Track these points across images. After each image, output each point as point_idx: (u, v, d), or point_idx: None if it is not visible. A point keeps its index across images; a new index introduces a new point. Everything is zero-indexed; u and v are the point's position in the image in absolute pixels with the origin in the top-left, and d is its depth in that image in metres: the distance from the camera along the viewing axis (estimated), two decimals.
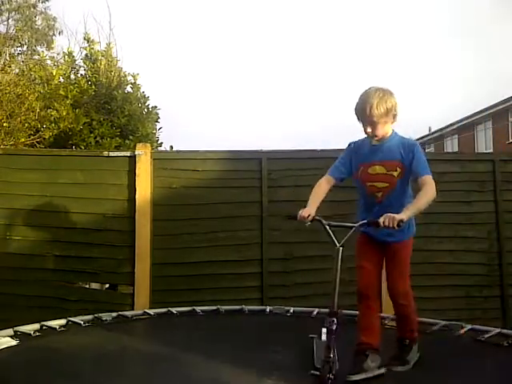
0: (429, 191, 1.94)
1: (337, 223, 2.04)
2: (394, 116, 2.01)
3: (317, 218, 2.00)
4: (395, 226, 1.82)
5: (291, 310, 3.23)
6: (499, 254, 3.83)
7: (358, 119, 2.02)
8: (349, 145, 2.18)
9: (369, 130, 1.98)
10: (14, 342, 2.43)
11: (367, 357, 1.96)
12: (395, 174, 2.02)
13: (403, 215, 1.85)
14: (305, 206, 2.05)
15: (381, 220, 1.84)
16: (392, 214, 1.83)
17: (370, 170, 2.06)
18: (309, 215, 1.98)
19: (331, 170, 2.17)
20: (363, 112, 1.96)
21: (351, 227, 1.97)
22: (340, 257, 1.92)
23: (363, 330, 2.08)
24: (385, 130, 2.01)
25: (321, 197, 2.11)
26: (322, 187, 2.14)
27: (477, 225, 3.87)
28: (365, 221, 1.98)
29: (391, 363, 2.08)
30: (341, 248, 1.92)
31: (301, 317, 3.16)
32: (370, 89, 1.99)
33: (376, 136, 2.01)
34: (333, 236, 1.94)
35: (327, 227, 1.97)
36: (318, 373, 1.83)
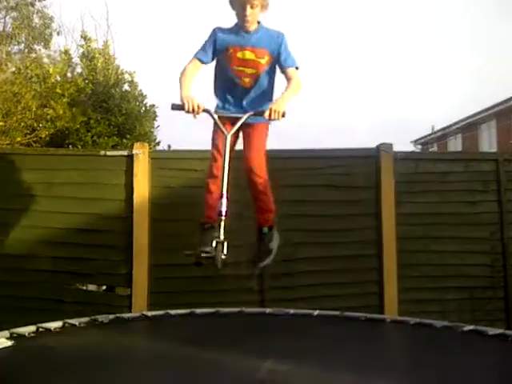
0: (297, 84, 2.13)
1: (225, 114, 2.12)
2: (267, 6, 2.12)
3: (205, 108, 2.05)
4: (280, 118, 1.99)
5: (291, 312, 3.18)
6: (503, 255, 3.77)
7: (233, 4, 2.09)
8: (213, 30, 2.23)
9: (248, 12, 2.04)
10: (8, 343, 2.38)
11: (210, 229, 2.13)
12: (263, 61, 2.13)
13: (282, 105, 2.00)
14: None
15: (266, 114, 1.98)
16: (275, 108, 1.97)
17: (240, 55, 2.13)
18: (198, 106, 2.01)
19: (199, 53, 2.20)
20: None
21: (240, 117, 2.07)
22: (229, 144, 2.03)
23: (208, 205, 2.23)
24: (257, 16, 2.12)
25: (192, 80, 2.14)
26: (191, 71, 2.17)
27: (480, 225, 3.81)
28: (251, 112, 2.06)
29: (257, 258, 2.21)
30: (229, 136, 2.02)
31: (301, 318, 3.10)
32: None
33: (250, 21, 2.08)
34: (221, 125, 2.04)
35: (215, 117, 2.05)
36: (209, 253, 1.99)
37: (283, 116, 1.98)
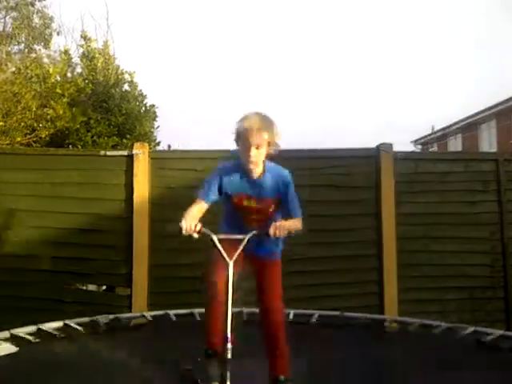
0: (296, 223, 1.96)
1: (226, 236, 1.90)
2: (274, 143, 1.94)
3: (204, 230, 1.85)
4: (285, 234, 1.84)
5: (290, 313, 3.17)
6: (503, 255, 3.77)
7: (238, 140, 1.92)
8: (217, 170, 2.07)
9: (252, 153, 1.86)
10: (14, 349, 2.37)
11: (215, 355, 1.91)
12: (271, 209, 2.01)
13: (286, 225, 1.85)
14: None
15: (271, 231, 1.81)
16: (279, 223, 1.83)
17: (246, 203, 1.99)
18: (196, 225, 1.83)
19: (203, 194, 2.03)
20: (249, 135, 1.85)
21: (241, 239, 1.86)
22: (231, 272, 1.80)
23: (211, 332, 1.98)
24: (263, 158, 1.94)
25: (197, 216, 1.95)
26: (196, 213, 1.96)
27: (480, 225, 3.81)
28: (255, 232, 1.88)
29: None
30: (231, 263, 1.81)
31: (299, 323, 3.09)
32: (255, 112, 1.94)
33: (254, 162, 1.91)
34: (222, 251, 1.82)
35: (216, 241, 1.83)
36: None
37: (289, 234, 1.84)
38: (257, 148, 1.87)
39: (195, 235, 1.83)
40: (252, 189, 1.97)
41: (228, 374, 1.71)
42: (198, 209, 1.98)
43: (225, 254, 1.80)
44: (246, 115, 1.92)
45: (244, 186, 1.98)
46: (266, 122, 1.90)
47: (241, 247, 1.83)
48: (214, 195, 2.01)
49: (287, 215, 1.96)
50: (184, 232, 1.83)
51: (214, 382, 1.82)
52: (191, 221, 1.85)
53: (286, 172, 2.04)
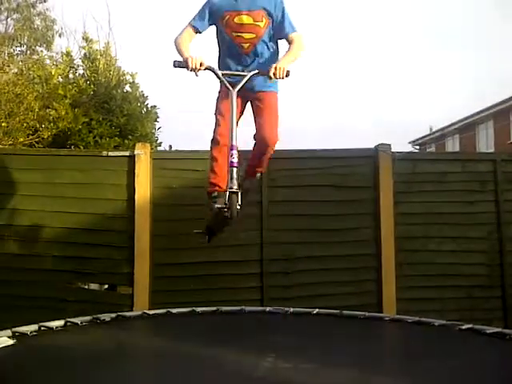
0: (299, 46, 2.08)
1: (230, 72, 2.05)
2: None
3: (208, 65, 1.99)
4: (284, 75, 1.93)
5: (291, 311, 3.21)
6: (500, 255, 3.81)
7: None
8: None
9: None
10: (10, 342, 2.41)
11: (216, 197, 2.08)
12: (261, 24, 2.06)
13: (286, 64, 1.95)
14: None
15: (271, 72, 1.92)
16: (279, 65, 1.92)
17: (237, 20, 2.06)
18: (201, 63, 1.95)
19: (194, 21, 2.16)
20: None
21: (243, 75, 2.00)
22: (235, 99, 1.96)
23: (213, 173, 2.17)
24: None
25: (189, 46, 2.10)
26: (186, 39, 2.13)
27: (478, 225, 3.85)
28: (256, 71, 2.01)
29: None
30: (235, 92, 1.96)
31: (301, 317, 3.13)
32: None
33: None
34: (226, 82, 1.98)
35: (219, 74, 1.98)
36: (224, 206, 1.95)
37: (287, 75, 1.92)
38: None
39: (202, 69, 1.95)
40: (241, 2, 2.05)
41: (235, 176, 1.90)
42: (188, 37, 2.10)
43: (228, 84, 1.94)
44: None
45: (233, 2, 2.06)
46: None
47: (243, 82, 1.94)
48: (205, 21, 2.11)
49: (283, 34, 2.05)
50: (189, 69, 1.93)
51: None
52: (196, 56, 1.96)
53: None
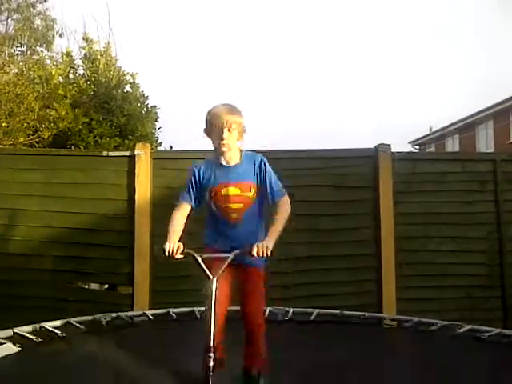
0: (284, 212, 1.97)
1: (209, 255, 1.91)
2: (243, 133, 1.99)
3: (187, 250, 1.87)
4: (269, 254, 1.82)
5: (290, 311, 3.21)
6: (500, 255, 3.81)
7: (210, 132, 1.97)
8: (193, 170, 2.11)
9: (225, 135, 1.90)
10: (15, 349, 2.40)
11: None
12: (250, 194, 1.98)
13: (270, 242, 1.85)
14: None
15: (254, 250, 1.81)
16: (263, 243, 1.83)
17: (224, 192, 1.98)
18: (178, 249, 1.86)
19: (184, 197, 2.06)
20: (220, 119, 1.91)
21: (226, 257, 1.86)
22: (215, 289, 1.80)
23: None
24: (235, 143, 1.97)
25: (180, 227, 1.98)
26: (179, 217, 2.01)
27: (478, 225, 3.85)
28: (238, 251, 1.87)
29: None
30: (215, 280, 1.80)
31: (296, 321, 3.11)
32: (222, 103, 2.00)
33: (226, 145, 1.94)
34: (205, 268, 1.83)
35: (199, 260, 1.83)
36: None
37: (271, 254, 1.81)
38: (228, 130, 1.92)
39: (178, 256, 1.85)
40: (228, 175, 1.99)
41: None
42: (181, 217, 2.00)
43: (208, 272, 1.81)
44: (214, 106, 1.98)
45: (220, 174, 2.00)
46: (236, 109, 1.98)
47: (225, 264, 1.83)
48: (194, 196, 2.03)
49: (271, 198, 1.98)
50: (167, 254, 1.85)
51: None
52: (174, 242, 1.87)
53: (260, 155, 2.04)
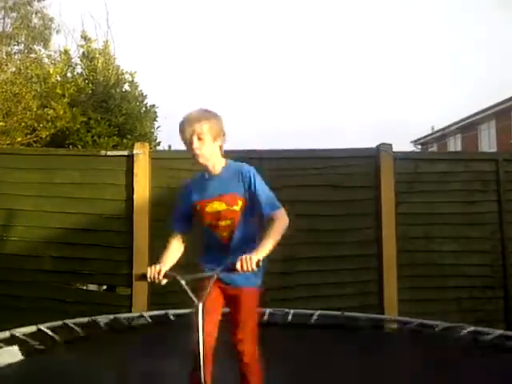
0: (278, 227, 1.74)
1: (192, 275, 1.74)
2: (221, 136, 1.82)
3: (169, 273, 1.73)
4: (254, 267, 1.61)
5: (291, 312, 3.19)
6: (503, 255, 3.77)
7: (185, 142, 1.82)
8: (180, 189, 1.97)
9: (195, 144, 1.77)
10: (19, 357, 2.35)
11: None
12: (237, 208, 1.79)
13: (258, 255, 1.64)
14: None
15: (238, 266, 1.62)
16: (247, 255, 1.62)
17: (209, 209, 1.81)
18: (159, 272, 1.71)
19: (174, 225, 1.90)
20: (186, 129, 1.77)
21: (210, 276, 1.70)
22: (201, 314, 1.62)
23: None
24: (212, 150, 1.81)
25: (173, 254, 1.85)
26: (174, 246, 1.88)
27: (480, 225, 3.82)
28: (221, 267, 1.71)
29: None
30: (200, 305, 1.62)
31: (297, 325, 3.08)
32: (190, 111, 1.84)
33: (200, 155, 1.80)
34: (190, 293, 1.65)
35: (183, 283, 1.66)
36: None
37: (257, 266, 1.61)
38: (198, 139, 1.76)
39: (163, 281, 1.72)
40: (211, 189, 1.82)
41: None
42: (176, 243, 1.87)
43: (193, 296, 1.64)
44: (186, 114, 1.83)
45: (204, 188, 1.84)
46: (205, 113, 1.80)
47: (210, 285, 1.66)
48: (184, 219, 1.87)
49: (262, 213, 1.76)
50: (148, 279, 1.72)
51: None
52: (155, 266, 1.73)
53: (247, 165, 1.86)
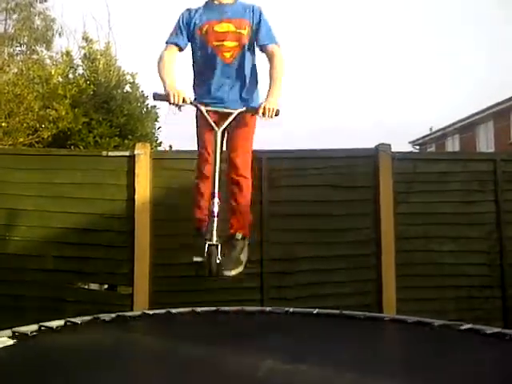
0: (280, 65, 1.94)
1: (214, 108, 1.91)
2: None
3: (192, 100, 1.89)
4: (273, 115, 1.82)
5: (291, 311, 3.21)
6: (500, 255, 3.81)
7: None
8: (183, 12, 2.05)
9: None
10: (10, 342, 2.40)
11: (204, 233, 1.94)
12: (244, 32, 1.95)
13: (275, 103, 1.84)
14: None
15: (260, 111, 1.82)
16: (269, 105, 1.82)
17: (218, 28, 1.95)
18: (184, 99, 1.85)
19: (173, 38, 2.02)
20: None
21: (230, 113, 1.88)
22: (220, 140, 1.85)
23: (199, 208, 2.07)
24: None
25: (173, 71, 1.97)
26: (169, 58, 2.00)
27: (478, 225, 3.85)
28: (244, 108, 1.89)
29: (224, 267, 2.00)
30: (219, 132, 1.84)
31: (299, 317, 3.12)
32: None
33: None
34: (210, 120, 1.86)
35: (203, 110, 1.85)
36: (201, 259, 1.87)
37: (277, 115, 1.82)
38: None
39: (182, 105, 1.86)
40: (221, 13, 1.96)
41: (214, 227, 1.78)
42: (170, 56, 1.98)
43: (213, 123, 1.83)
44: None
45: (213, 12, 1.96)
46: None
47: (229, 120, 1.83)
48: (183, 36, 1.99)
49: (261, 43, 1.93)
50: (172, 102, 1.84)
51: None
52: (179, 90, 1.85)
53: (258, 6, 2.04)
